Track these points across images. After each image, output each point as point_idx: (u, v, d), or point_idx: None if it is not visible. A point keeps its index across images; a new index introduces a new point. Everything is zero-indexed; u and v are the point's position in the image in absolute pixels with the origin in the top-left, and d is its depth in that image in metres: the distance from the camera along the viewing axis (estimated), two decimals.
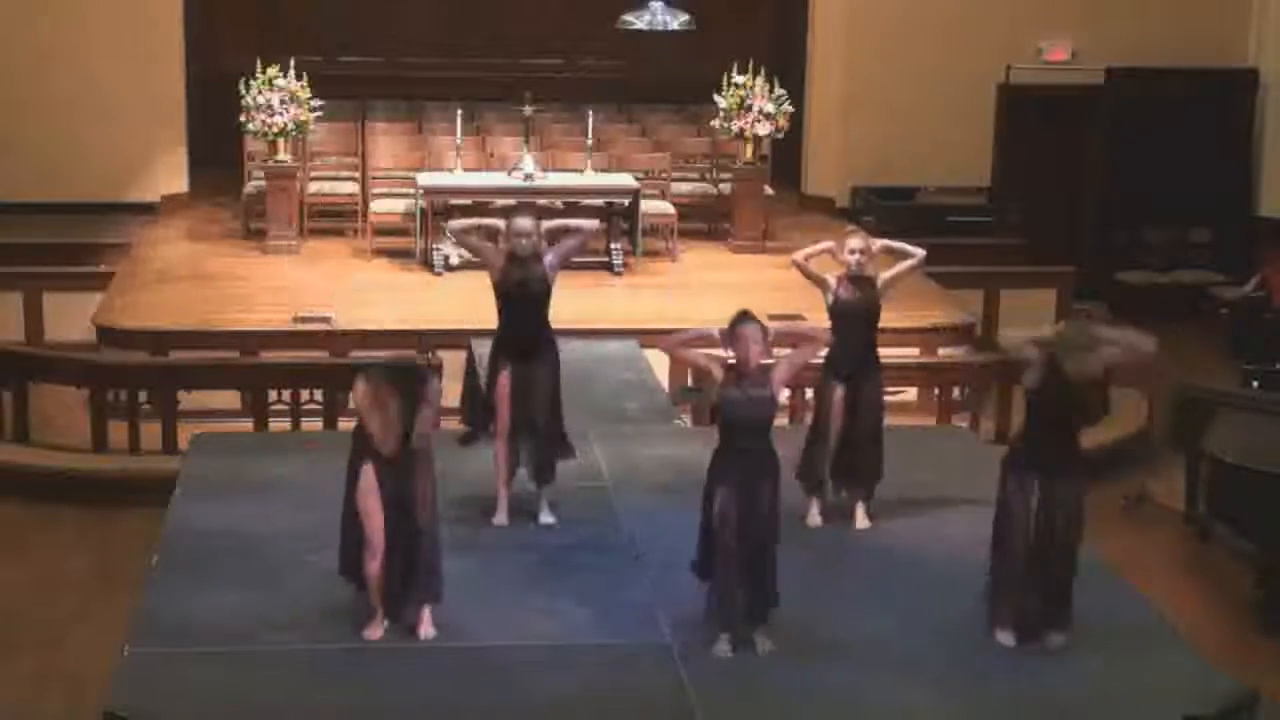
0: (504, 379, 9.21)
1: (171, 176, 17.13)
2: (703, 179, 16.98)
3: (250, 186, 16.08)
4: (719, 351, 8.09)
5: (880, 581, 8.75)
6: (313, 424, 11.77)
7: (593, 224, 9.38)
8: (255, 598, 8.27)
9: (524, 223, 9.18)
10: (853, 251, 9.24)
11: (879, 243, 9.67)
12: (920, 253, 9.42)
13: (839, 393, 9.33)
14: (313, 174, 16.21)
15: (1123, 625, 8.30)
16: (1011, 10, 17.50)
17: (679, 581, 8.42)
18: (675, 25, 15.97)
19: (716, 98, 15.65)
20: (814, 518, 9.39)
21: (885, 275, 9.39)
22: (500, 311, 9.29)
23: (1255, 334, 14.94)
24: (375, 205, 15.65)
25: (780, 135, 15.86)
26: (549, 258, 9.20)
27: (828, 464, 9.38)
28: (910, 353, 13.05)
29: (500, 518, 9.29)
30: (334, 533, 8.30)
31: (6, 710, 8.42)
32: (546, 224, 9.31)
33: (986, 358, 12.94)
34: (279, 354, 12.42)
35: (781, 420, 12.13)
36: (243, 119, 14.98)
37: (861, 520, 9.39)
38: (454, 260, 14.66)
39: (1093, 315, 8.19)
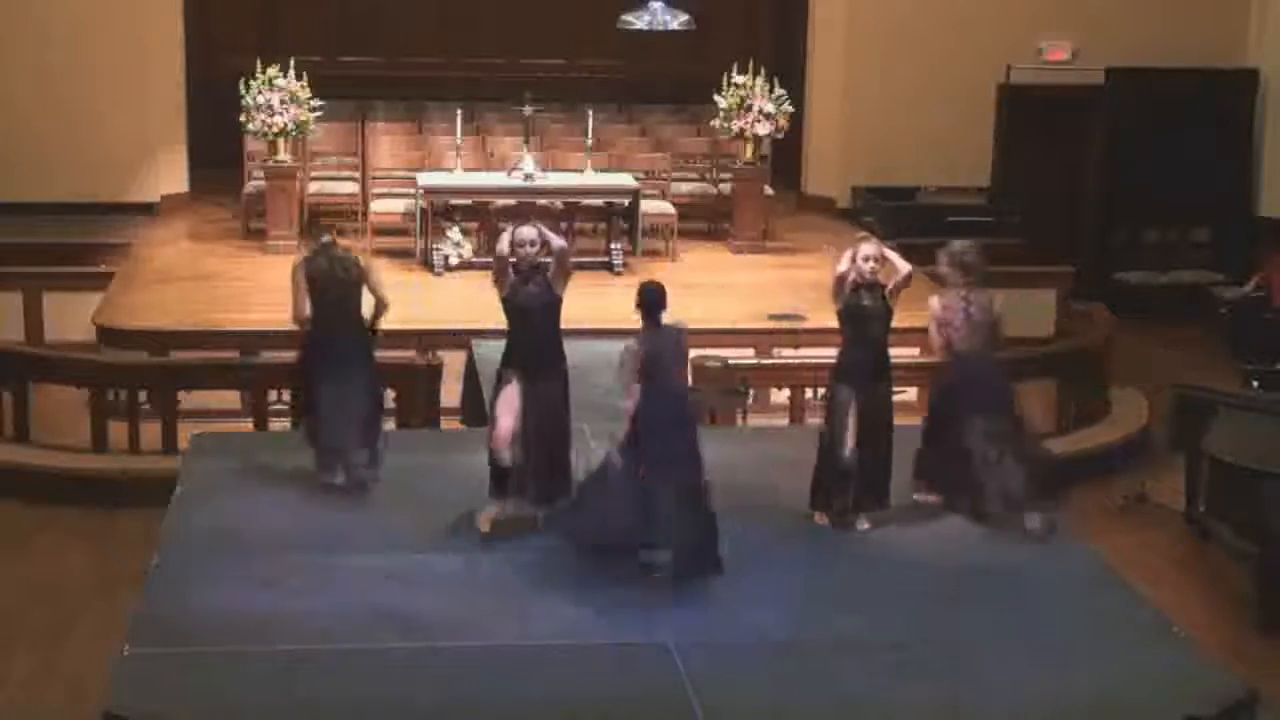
0: (511, 390, 9.06)
1: (171, 176, 17.14)
2: (703, 179, 16.98)
3: (250, 186, 16.08)
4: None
5: (881, 581, 8.75)
6: None
7: (560, 242, 9.25)
8: (255, 598, 8.27)
9: (528, 231, 9.04)
10: (866, 259, 9.19)
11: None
12: (907, 268, 9.39)
13: (850, 399, 9.25)
14: (313, 174, 16.21)
15: (1123, 625, 8.32)
16: (1011, 10, 17.51)
17: (679, 581, 8.44)
18: (675, 25, 15.97)
19: (716, 98, 15.65)
20: (820, 516, 9.40)
21: (888, 288, 9.38)
22: (510, 326, 9.16)
23: (1255, 334, 14.94)
24: (375, 205, 15.65)
25: (780, 135, 15.85)
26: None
27: (838, 486, 9.29)
28: (910, 353, 13.03)
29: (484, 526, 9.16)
30: (334, 533, 8.31)
31: (6, 710, 8.42)
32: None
33: None
34: (279, 354, 12.41)
35: (781, 420, 12.22)
36: (243, 119, 14.98)
37: (862, 522, 9.39)
38: (454, 260, 14.67)
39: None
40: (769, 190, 16.26)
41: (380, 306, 9.90)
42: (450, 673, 7.65)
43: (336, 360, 9.68)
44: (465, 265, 14.66)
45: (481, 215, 15.12)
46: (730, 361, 12.04)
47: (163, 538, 9.02)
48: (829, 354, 12.66)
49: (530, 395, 9.05)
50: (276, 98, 14.82)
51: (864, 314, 9.25)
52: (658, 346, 8.73)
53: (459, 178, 15.14)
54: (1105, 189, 17.65)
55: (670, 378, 8.78)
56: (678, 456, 8.53)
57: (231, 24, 18.59)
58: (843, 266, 9.22)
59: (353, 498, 9.52)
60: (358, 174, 16.26)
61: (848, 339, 9.35)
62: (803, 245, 16.08)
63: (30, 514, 11.05)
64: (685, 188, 16.56)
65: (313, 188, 16.05)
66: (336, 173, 16.39)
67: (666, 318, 8.85)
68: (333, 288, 9.71)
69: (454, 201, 15.03)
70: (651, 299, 8.83)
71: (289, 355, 11.74)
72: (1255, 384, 12.40)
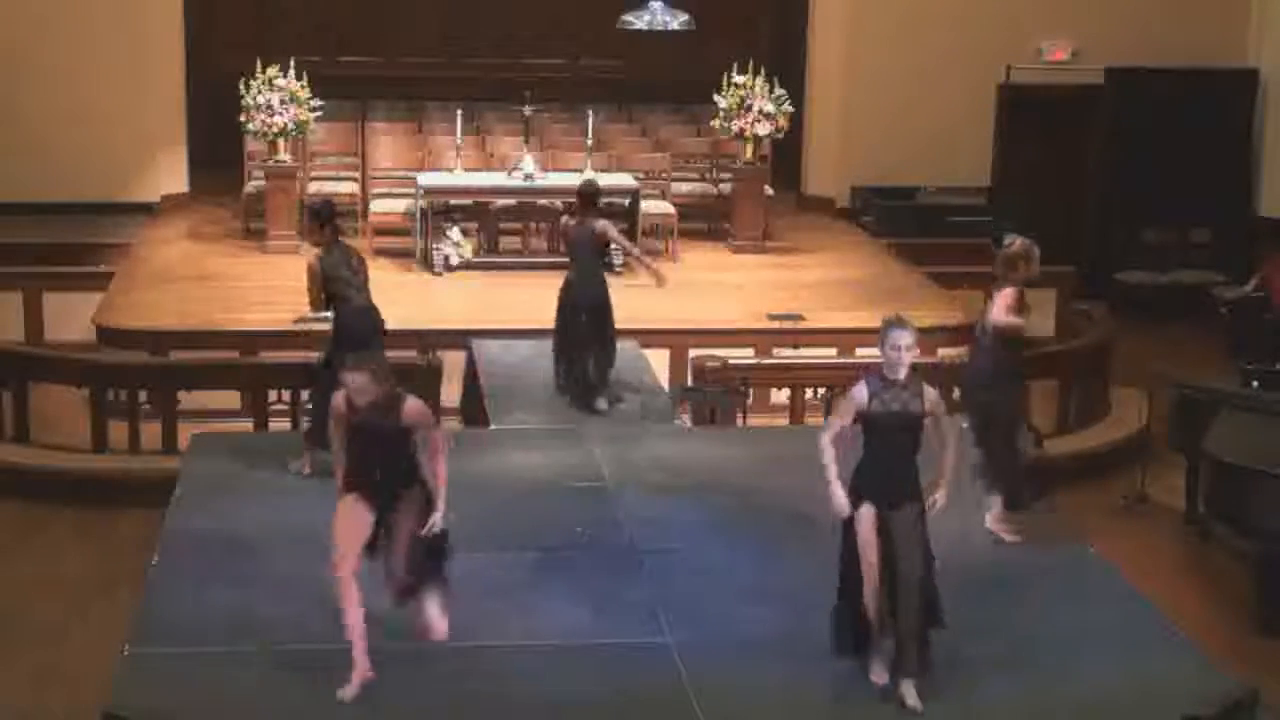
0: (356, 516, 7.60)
1: (171, 176, 17.14)
2: (703, 179, 16.98)
3: (250, 186, 16.08)
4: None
5: None
6: None
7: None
8: (255, 598, 8.27)
9: (358, 378, 7.63)
10: (895, 348, 7.56)
11: None
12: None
13: (869, 517, 7.64)
14: (313, 174, 16.21)
15: (1123, 625, 8.32)
16: (1011, 10, 17.50)
17: (679, 581, 8.44)
18: (675, 25, 15.97)
19: (716, 98, 15.64)
20: (877, 675, 7.68)
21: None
22: (350, 446, 7.75)
23: (1255, 334, 14.92)
24: (375, 205, 15.65)
25: (780, 135, 15.85)
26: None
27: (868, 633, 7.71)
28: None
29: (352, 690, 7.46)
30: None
31: (6, 710, 8.42)
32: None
33: None
34: (279, 354, 12.42)
35: (781, 420, 12.21)
36: (243, 119, 14.98)
37: (911, 699, 7.45)
38: (454, 260, 14.67)
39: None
40: (769, 190, 16.26)
41: None
42: (450, 673, 7.66)
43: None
44: (466, 266, 14.66)
45: (481, 215, 15.12)
46: (730, 361, 12.04)
47: (163, 538, 9.02)
48: (829, 354, 12.77)
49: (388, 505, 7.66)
50: (276, 98, 14.83)
51: (887, 416, 7.58)
52: (581, 234, 11.29)
53: (459, 178, 15.14)
54: (1105, 189, 17.64)
55: (587, 258, 11.34)
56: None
57: (231, 24, 18.60)
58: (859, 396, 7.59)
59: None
60: (358, 174, 16.26)
61: (870, 444, 7.65)
62: (802, 245, 16.07)
63: (30, 514, 11.04)
64: (685, 188, 16.56)
65: (312, 188, 16.02)
66: (336, 173, 16.40)
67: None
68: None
69: (454, 201, 15.03)
70: (584, 192, 11.51)
71: (289, 355, 11.81)
72: (1255, 384, 12.38)
